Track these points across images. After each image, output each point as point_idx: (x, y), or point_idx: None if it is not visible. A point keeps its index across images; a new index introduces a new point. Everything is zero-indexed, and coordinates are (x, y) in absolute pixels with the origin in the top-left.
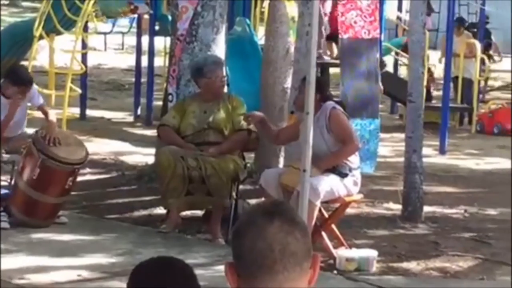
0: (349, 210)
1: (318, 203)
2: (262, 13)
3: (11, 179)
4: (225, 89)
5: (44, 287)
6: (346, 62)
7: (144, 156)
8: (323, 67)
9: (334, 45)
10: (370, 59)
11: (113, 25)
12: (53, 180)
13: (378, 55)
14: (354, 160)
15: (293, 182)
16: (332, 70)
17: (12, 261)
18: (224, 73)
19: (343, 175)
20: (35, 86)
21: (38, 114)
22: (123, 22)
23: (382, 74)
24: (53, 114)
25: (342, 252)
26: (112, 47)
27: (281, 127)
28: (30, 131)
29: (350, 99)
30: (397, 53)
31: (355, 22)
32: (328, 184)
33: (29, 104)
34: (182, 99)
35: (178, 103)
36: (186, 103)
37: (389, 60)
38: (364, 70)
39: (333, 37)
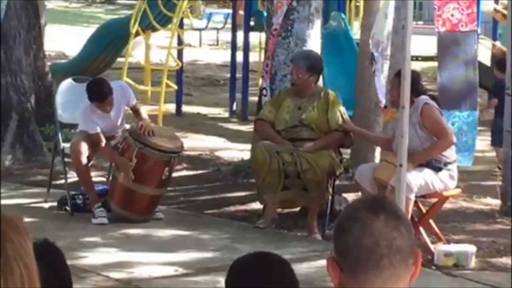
0: (447, 205)
1: (412, 197)
2: (357, 7)
3: (108, 175)
4: (320, 84)
5: (141, 281)
6: (443, 54)
7: (240, 152)
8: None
9: None
10: (468, 51)
11: (208, 21)
12: (149, 169)
13: (476, 47)
14: (449, 154)
15: (387, 177)
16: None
17: (110, 256)
18: (304, 71)
19: (437, 169)
20: (126, 85)
21: None
22: (218, 18)
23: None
24: (145, 111)
25: (440, 248)
26: (207, 43)
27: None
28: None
29: (448, 91)
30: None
31: (452, 15)
32: (422, 178)
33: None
34: (278, 93)
35: (274, 98)
36: (281, 97)
37: (486, 52)
38: (462, 62)
39: None
